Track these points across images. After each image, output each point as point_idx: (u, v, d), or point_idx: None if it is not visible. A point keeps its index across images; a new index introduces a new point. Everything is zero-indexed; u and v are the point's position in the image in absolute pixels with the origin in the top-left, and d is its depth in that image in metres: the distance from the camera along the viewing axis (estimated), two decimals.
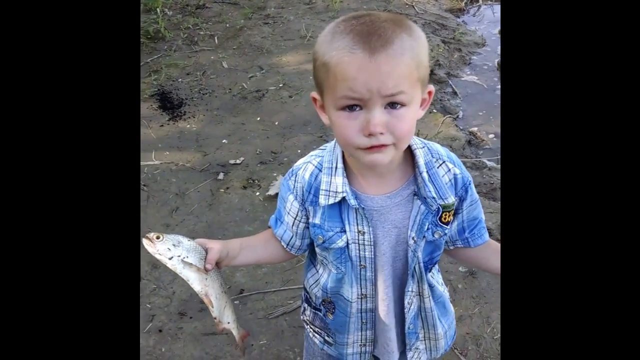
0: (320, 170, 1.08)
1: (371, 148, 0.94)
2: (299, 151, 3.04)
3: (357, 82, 0.89)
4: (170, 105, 3.52)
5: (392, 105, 0.92)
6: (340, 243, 1.09)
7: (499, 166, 2.98)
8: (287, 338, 2.01)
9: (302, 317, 1.35)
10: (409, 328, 1.19)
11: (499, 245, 1.20)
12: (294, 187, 1.12)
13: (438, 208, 1.07)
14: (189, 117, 3.40)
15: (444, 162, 1.09)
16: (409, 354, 1.24)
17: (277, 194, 1.62)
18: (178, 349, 1.99)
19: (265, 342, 2.00)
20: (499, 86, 3.81)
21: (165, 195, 2.76)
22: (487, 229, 1.20)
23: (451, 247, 1.18)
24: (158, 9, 4.55)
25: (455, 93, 3.73)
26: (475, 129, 3.37)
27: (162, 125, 3.32)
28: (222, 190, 2.79)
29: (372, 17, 0.92)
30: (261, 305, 2.15)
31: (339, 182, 1.05)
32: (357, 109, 0.92)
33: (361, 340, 1.23)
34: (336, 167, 1.06)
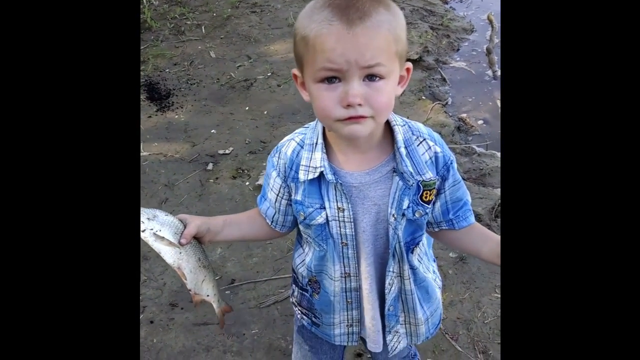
0: (302, 147, 1.10)
1: (349, 119, 0.95)
2: None
3: (335, 53, 0.90)
4: (157, 96, 3.49)
5: (371, 77, 0.93)
6: (320, 219, 1.10)
7: (489, 152, 2.99)
8: (279, 327, 2.02)
9: (291, 299, 1.36)
10: (389, 310, 1.20)
11: (484, 228, 1.20)
12: (277, 163, 1.13)
13: (417, 185, 1.07)
14: (177, 108, 3.37)
15: (424, 139, 1.08)
16: (388, 337, 1.24)
17: None
18: (170, 340, 1.99)
19: (257, 331, 2.01)
20: (488, 72, 3.81)
21: (155, 186, 2.75)
22: (477, 215, 1.20)
23: (436, 229, 1.18)
24: None
25: (444, 79, 3.72)
26: (464, 115, 3.36)
27: (150, 116, 3.30)
28: (212, 180, 2.77)
29: None
30: (252, 295, 2.15)
31: (318, 157, 1.07)
32: (336, 81, 0.94)
33: (347, 320, 1.24)
34: (316, 143, 1.08)
